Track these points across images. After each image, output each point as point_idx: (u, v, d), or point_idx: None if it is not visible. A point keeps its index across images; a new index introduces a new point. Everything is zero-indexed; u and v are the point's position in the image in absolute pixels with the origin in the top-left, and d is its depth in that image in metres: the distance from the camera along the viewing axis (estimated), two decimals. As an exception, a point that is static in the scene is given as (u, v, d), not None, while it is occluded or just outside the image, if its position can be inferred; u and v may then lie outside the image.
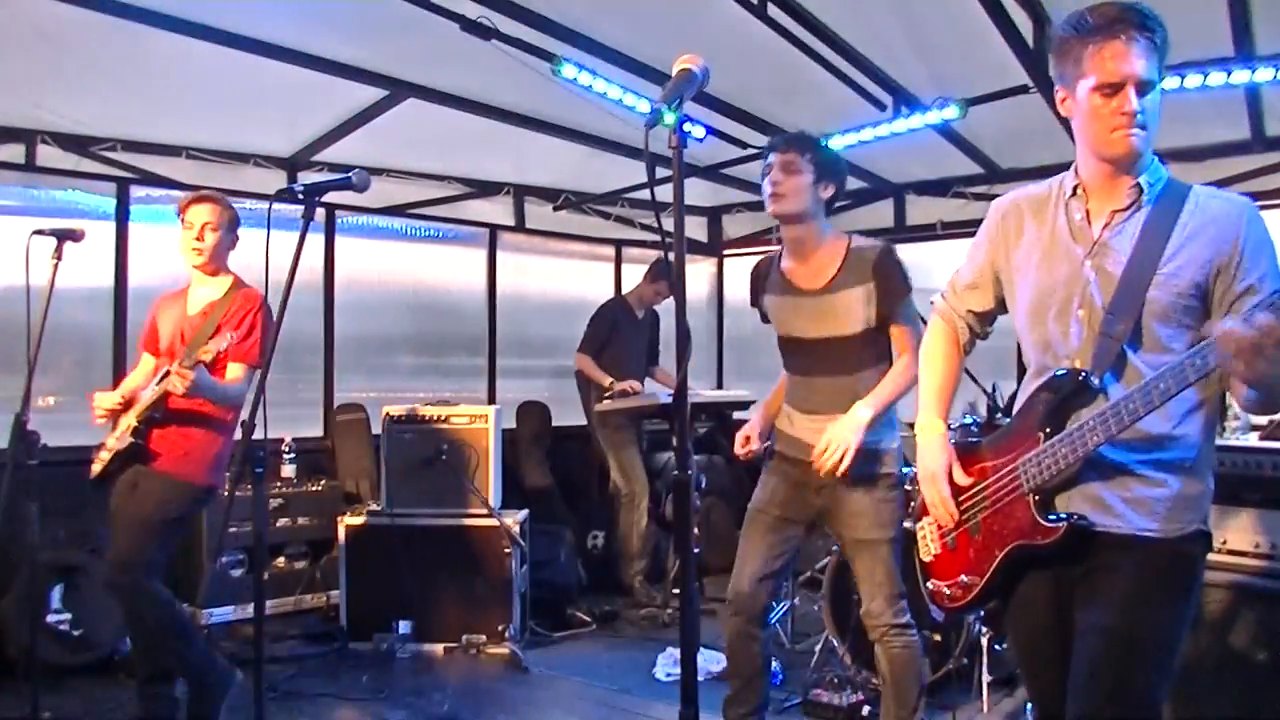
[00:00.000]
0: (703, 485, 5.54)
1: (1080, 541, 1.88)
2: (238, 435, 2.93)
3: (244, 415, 2.40)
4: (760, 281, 3.13)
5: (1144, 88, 1.82)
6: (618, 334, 5.67)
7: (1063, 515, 1.90)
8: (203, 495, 3.44)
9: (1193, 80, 4.10)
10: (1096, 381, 1.86)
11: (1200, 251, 1.84)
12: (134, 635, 3.51)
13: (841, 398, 2.85)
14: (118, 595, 3.33)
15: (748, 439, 3.09)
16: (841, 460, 2.74)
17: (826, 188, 2.89)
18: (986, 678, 3.79)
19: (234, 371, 3.38)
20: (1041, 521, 1.91)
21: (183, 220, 3.48)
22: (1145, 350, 1.85)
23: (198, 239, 3.45)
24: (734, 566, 3.00)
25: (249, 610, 4.16)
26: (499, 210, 6.60)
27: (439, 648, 4.59)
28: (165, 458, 3.36)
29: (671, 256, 1.88)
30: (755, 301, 3.16)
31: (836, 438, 2.76)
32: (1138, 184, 1.90)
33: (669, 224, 1.89)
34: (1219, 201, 1.89)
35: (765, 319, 3.12)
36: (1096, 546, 1.88)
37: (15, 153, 4.78)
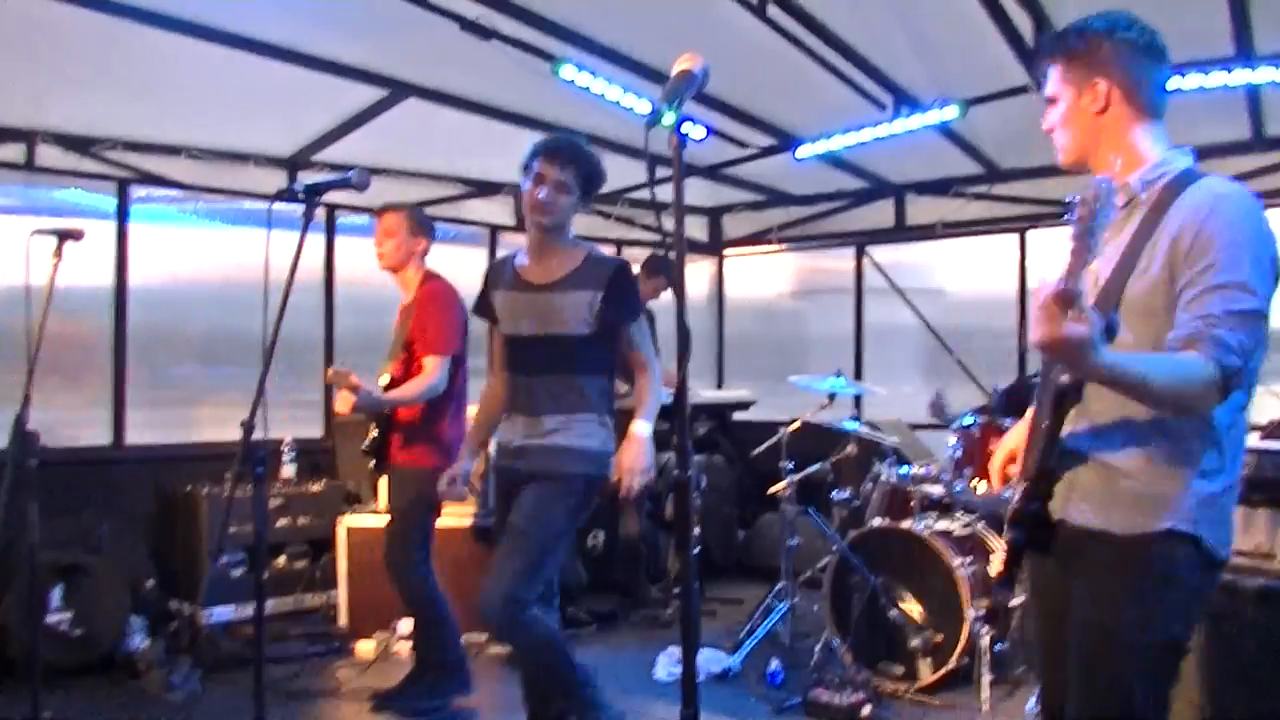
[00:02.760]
0: (703, 485, 5.55)
1: (1067, 536, 1.86)
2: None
3: (244, 415, 2.40)
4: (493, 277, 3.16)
5: (1049, 100, 1.94)
6: None
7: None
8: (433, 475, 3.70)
9: (1193, 80, 4.10)
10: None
11: (1165, 244, 1.75)
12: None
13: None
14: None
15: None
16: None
17: (584, 204, 3.03)
18: (986, 678, 3.79)
19: (428, 365, 3.67)
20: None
21: None
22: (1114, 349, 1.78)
23: (377, 244, 3.82)
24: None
25: (249, 610, 4.17)
26: (499, 210, 6.60)
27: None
28: (395, 450, 3.76)
29: (669, 254, 1.88)
30: (484, 299, 3.16)
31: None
32: (1126, 182, 1.86)
33: (669, 224, 1.89)
34: (1200, 192, 1.76)
35: (493, 316, 3.14)
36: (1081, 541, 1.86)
37: (15, 153, 4.78)
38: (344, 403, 3.54)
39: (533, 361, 2.99)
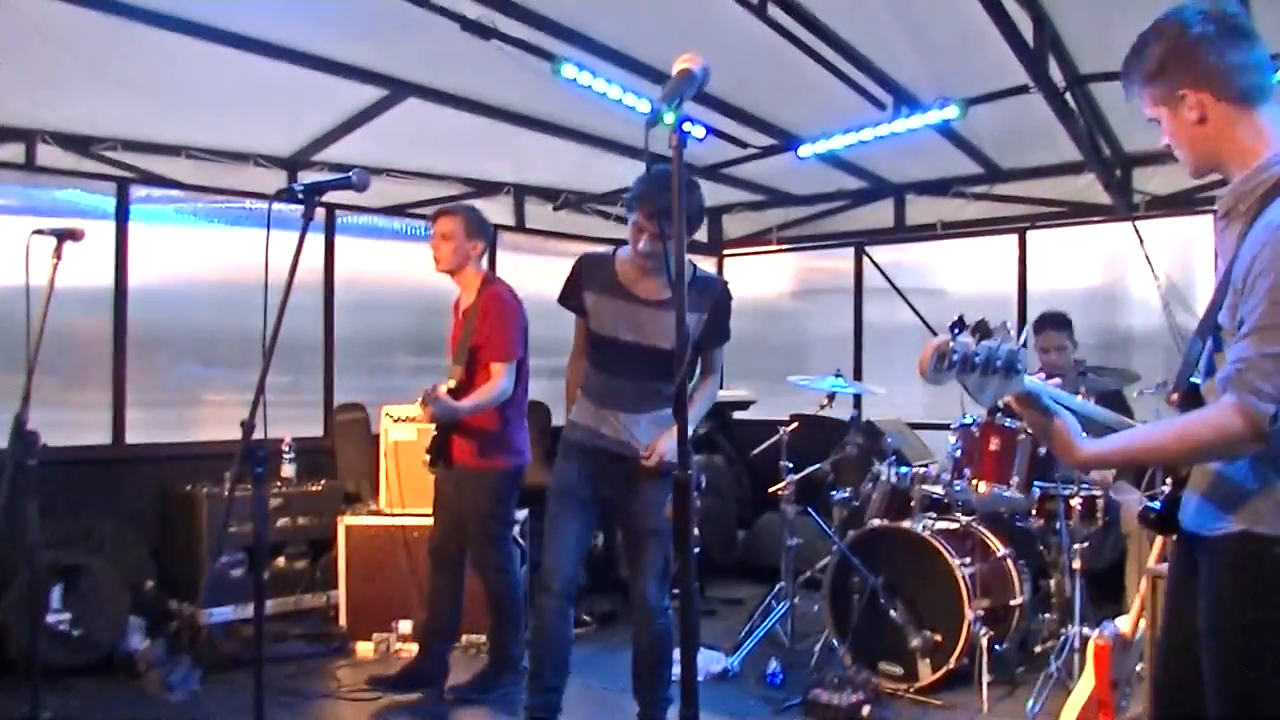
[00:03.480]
0: (703, 485, 5.54)
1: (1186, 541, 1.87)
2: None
3: (244, 415, 2.40)
4: (589, 273, 3.28)
5: (1152, 121, 1.83)
6: None
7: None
8: (510, 478, 3.95)
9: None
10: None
11: (1239, 270, 1.66)
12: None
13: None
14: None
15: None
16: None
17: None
18: (986, 678, 3.79)
19: (496, 371, 3.79)
20: None
21: None
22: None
23: (434, 248, 3.88)
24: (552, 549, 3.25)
25: (249, 610, 4.16)
26: (499, 210, 6.59)
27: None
28: (463, 453, 3.84)
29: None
30: (573, 293, 3.30)
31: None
32: (1232, 192, 1.76)
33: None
34: (1274, 212, 1.63)
35: (582, 311, 3.29)
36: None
37: (15, 153, 4.78)
38: (424, 414, 3.70)
39: (631, 368, 3.20)
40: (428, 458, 3.89)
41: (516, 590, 3.99)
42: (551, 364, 6.73)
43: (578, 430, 3.32)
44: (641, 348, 3.17)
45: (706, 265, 7.77)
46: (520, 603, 4.01)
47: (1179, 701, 1.89)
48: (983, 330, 1.64)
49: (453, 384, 3.78)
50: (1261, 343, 1.59)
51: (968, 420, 4.30)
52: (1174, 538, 1.93)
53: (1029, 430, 1.62)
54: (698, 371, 3.34)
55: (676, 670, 4.21)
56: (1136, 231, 5.61)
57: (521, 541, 4.69)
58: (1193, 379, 1.81)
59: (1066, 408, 1.82)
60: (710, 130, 5.03)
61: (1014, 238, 6.33)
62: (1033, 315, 5.91)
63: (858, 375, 6.70)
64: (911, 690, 3.91)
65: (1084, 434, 1.80)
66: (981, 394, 1.65)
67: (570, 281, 3.30)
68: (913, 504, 4.39)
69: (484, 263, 3.99)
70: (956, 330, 1.62)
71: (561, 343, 6.43)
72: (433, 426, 3.85)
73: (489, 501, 3.87)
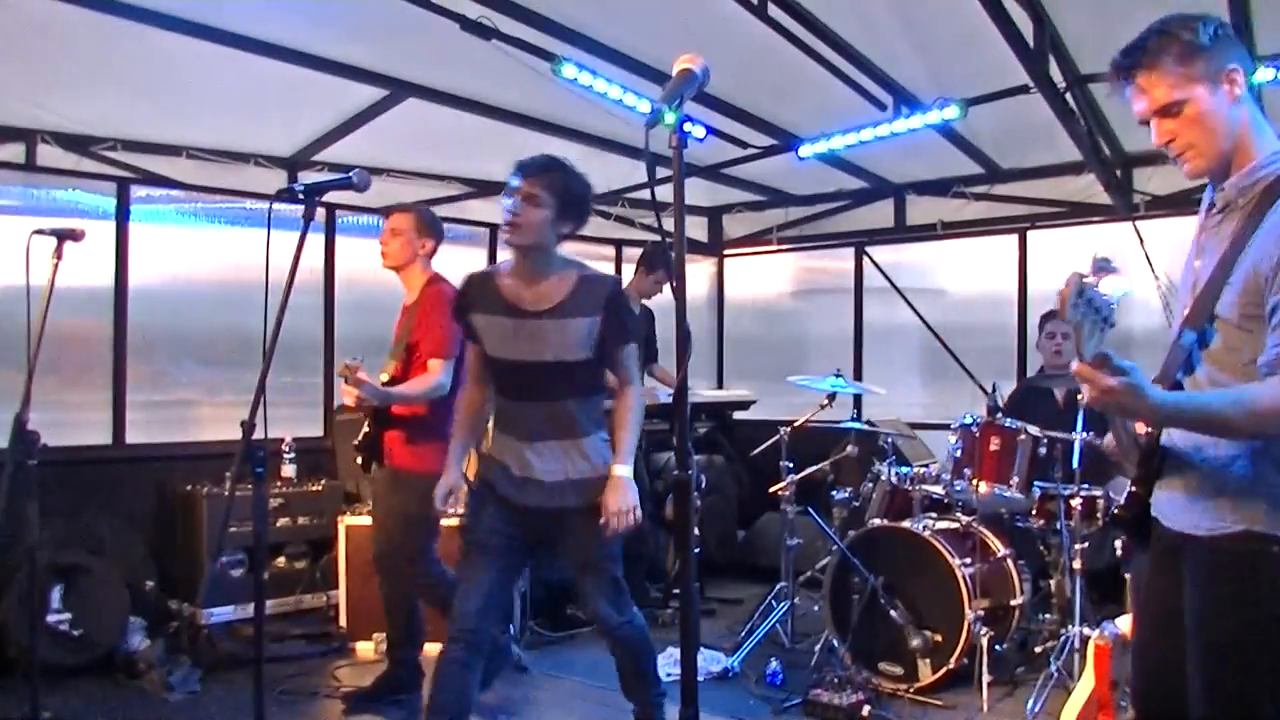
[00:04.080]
0: (703, 485, 5.54)
1: (1168, 539, 1.88)
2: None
3: (244, 415, 2.40)
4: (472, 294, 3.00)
5: (1164, 111, 1.78)
6: None
7: None
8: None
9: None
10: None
11: (1251, 258, 1.71)
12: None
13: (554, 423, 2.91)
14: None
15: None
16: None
17: (565, 224, 2.88)
18: (986, 678, 3.79)
19: (432, 367, 3.65)
20: None
21: None
22: (1209, 361, 1.79)
23: (382, 242, 3.81)
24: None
25: (249, 610, 4.16)
26: (499, 210, 6.58)
27: (438, 647, 4.57)
28: (395, 453, 3.72)
29: (665, 242, 1.88)
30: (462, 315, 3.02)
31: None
32: (1223, 187, 1.81)
33: (669, 224, 1.89)
34: None
35: (473, 336, 3.00)
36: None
37: (15, 153, 4.78)
38: (348, 395, 3.54)
39: (529, 388, 2.90)
40: (360, 460, 3.76)
41: (433, 603, 3.76)
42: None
43: (491, 467, 2.98)
44: (540, 365, 2.85)
45: (706, 265, 7.79)
46: (420, 610, 3.86)
47: (1168, 710, 1.87)
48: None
49: (385, 377, 3.67)
50: None
51: (968, 420, 4.30)
52: (1154, 538, 1.91)
53: (1107, 393, 1.55)
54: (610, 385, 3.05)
55: (667, 668, 4.23)
56: (1137, 232, 5.61)
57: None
58: (1179, 376, 1.81)
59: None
60: (710, 130, 5.03)
61: (1014, 238, 6.33)
62: (1033, 315, 5.92)
63: (858, 375, 6.69)
64: (911, 690, 3.91)
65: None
66: (1088, 342, 1.64)
67: (457, 307, 3.02)
68: (913, 504, 4.39)
69: (431, 263, 3.84)
70: (1098, 267, 1.64)
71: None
72: (366, 425, 3.74)
73: (420, 505, 3.45)
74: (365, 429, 3.76)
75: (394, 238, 3.78)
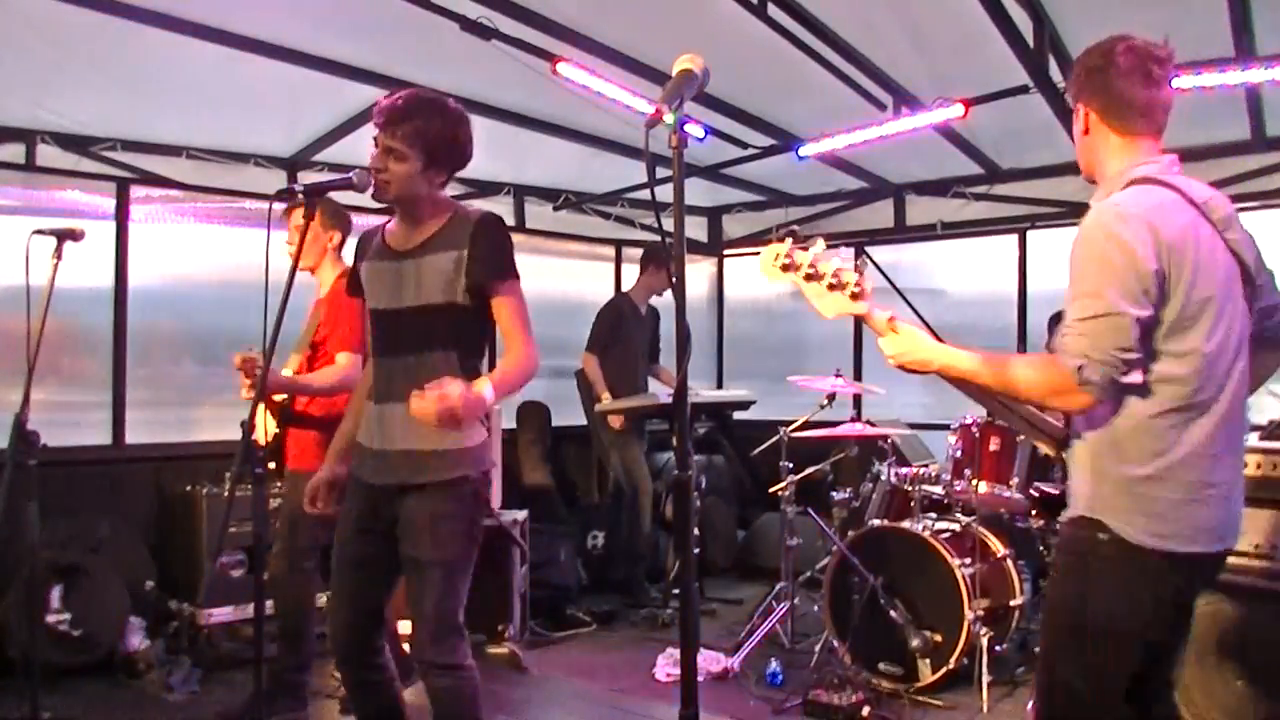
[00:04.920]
0: (703, 485, 5.55)
1: None
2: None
3: (244, 415, 2.40)
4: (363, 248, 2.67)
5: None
6: (622, 332, 5.65)
7: None
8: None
9: (1192, 80, 4.10)
10: None
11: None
12: None
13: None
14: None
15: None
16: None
17: (437, 171, 2.58)
18: (986, 678, 3.79)
19: (341, 360, 3.44)
20: None
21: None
22: None
23: (288, 243, 3.66)
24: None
25: (249, 610, 4.16)
26: (499, 210, 6.55)
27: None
28: (297, 455, 3.52)
29: (666, 241, 1.88)
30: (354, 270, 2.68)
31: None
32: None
33: (669, 224, 1.89)
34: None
35: (357, 290, 2.65)
36: None
37: (15, 153, 4.78)
38: (247, 390, 3.18)
39: (391, 339, 2.51)
40: (272, 466, 3.45)
41: (308, 612, 3.56)
42: (552, 364, 6.76)
43: (357, 447, 2.57)
44: (398, 312, 2.48)
45: (706, 265, 7.79)
46: (310, 626, 3.58)
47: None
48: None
49: (289, 372, 3.50)
50: (1074, 309, 1.91)
51: (968, 420, 4.30)
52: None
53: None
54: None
55: (667, 669, 4.18)
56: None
57: (522, 542, 4.69)
58: None
59: None
60: (710, 130, 5.03)
61: (1014, 238, 6.34)
62: (1033, 315, 5.92)
63: (858, 375, 6.69)
64: (911, 690, 3.90)
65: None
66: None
67: (352, 263, 2.72)
68: (913, 504, 4.39)
69: (341, 256, 3.64)
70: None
71: (561, 342, 6.45)
72: (273, 426, 3.47)
73: (290, 502, 3.31)
74: (274, 430, 3.48)
75: (298, 233, 3.39)
